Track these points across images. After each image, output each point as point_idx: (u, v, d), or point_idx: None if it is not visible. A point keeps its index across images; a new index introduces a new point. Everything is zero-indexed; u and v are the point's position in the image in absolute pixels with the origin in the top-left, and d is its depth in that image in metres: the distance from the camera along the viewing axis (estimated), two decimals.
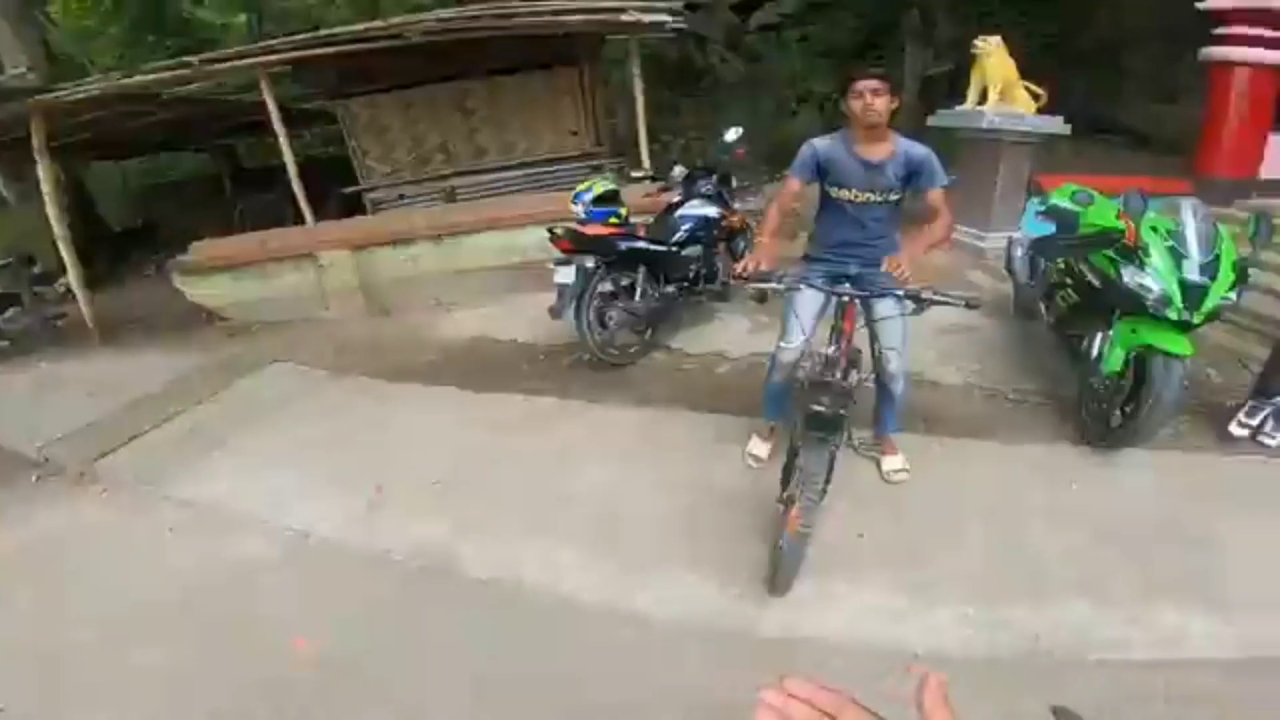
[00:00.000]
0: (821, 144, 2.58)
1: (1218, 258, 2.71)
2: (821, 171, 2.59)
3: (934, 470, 2.98)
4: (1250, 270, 2.76)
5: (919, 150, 2.52)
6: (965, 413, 3.48)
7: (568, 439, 3.46)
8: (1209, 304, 2.64)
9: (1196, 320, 2.65)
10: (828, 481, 2.30)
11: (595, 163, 7.37)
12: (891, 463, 2.95)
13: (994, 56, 5.67)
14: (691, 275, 4.41)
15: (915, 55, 10.08)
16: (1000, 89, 5.68)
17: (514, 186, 7.09)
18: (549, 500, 3.00)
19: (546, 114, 7.37)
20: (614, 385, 3.98)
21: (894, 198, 2.59)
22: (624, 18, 5.77)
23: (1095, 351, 3.05)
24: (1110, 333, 2.96)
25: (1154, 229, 2.84)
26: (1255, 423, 3.05)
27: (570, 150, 7.55)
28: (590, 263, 3.90)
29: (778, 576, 2.29)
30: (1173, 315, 2.66)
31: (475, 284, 5.44)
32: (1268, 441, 3.00)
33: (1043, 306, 3.68)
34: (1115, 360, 2.91)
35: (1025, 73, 5.72)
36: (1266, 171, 5.76)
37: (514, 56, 6.86)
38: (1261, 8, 5.50)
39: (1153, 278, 2.73)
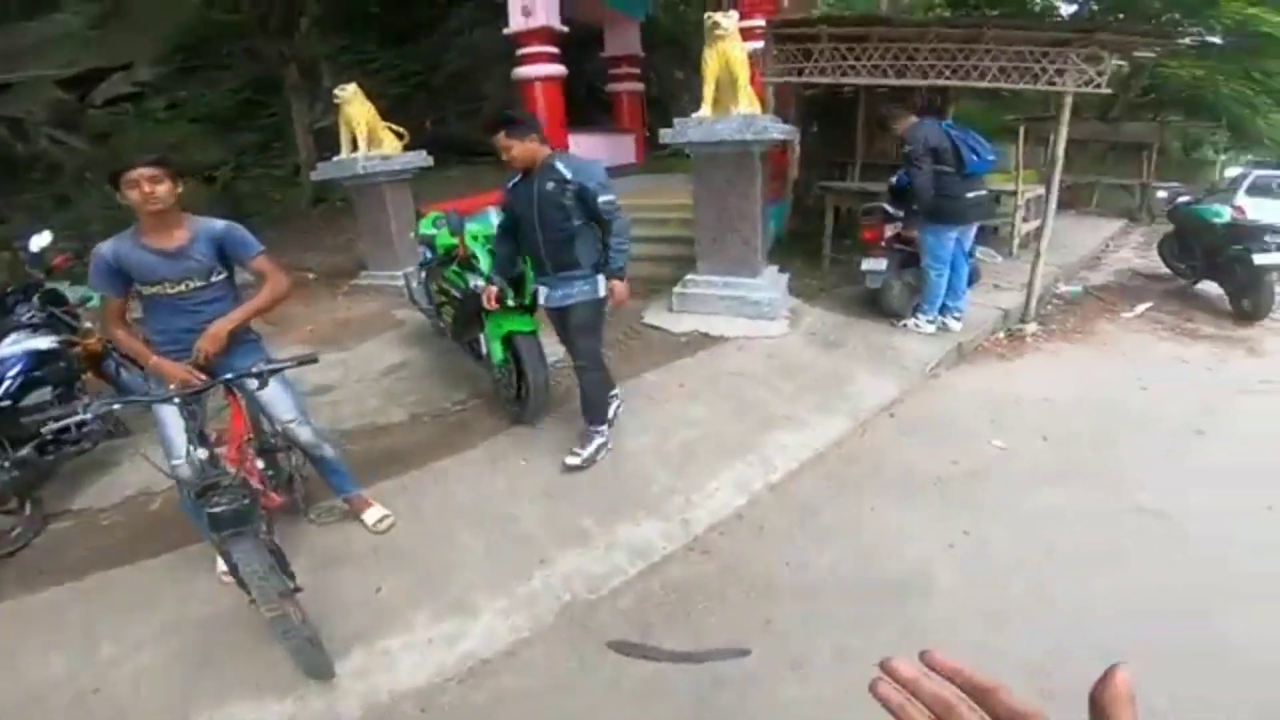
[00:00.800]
0: (109, 248, 2.25)
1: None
2: (125, 274, 2.27)
3: (415, 503, 3.02)
4: None
5: (217, 226, 2.37)
6: (419, 440, 3.58)
7: None
8: (526, 287, 3.23)
9: (527, 301, 3.22)
10: (282, 563, 2.15)
11: None
12: (372, 515, 2.87)
13: (353, 104, 5.88)
14: (55, 425, 3.32)
15: (302, 110, 9.90)
16: (365, 133, 5.95)
17: None
18: None
19: None
20: (6, 580, 2.87)
21: (218, 277, 2.39)
22: None
23: (485, 350, 3.46)
24: (486, 331, 3.38)
25: (475, 237, 3.32)
26: (586, 453, 3.16)
27: None
28: None
29: (305, 665, 2.16)
30: (512, 303, 3.17)
31: None
32: (572, 461, 3.14)
33: (441, 325, 4.02)
34: (497, 351, 3.35)
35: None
36: None
37: None
38: (541, 27, 7.12)
39: (484, 277, 3.19)
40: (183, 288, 2.31)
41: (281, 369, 2.29)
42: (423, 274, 4.37)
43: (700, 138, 4.29)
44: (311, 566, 2.59)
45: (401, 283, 5.63)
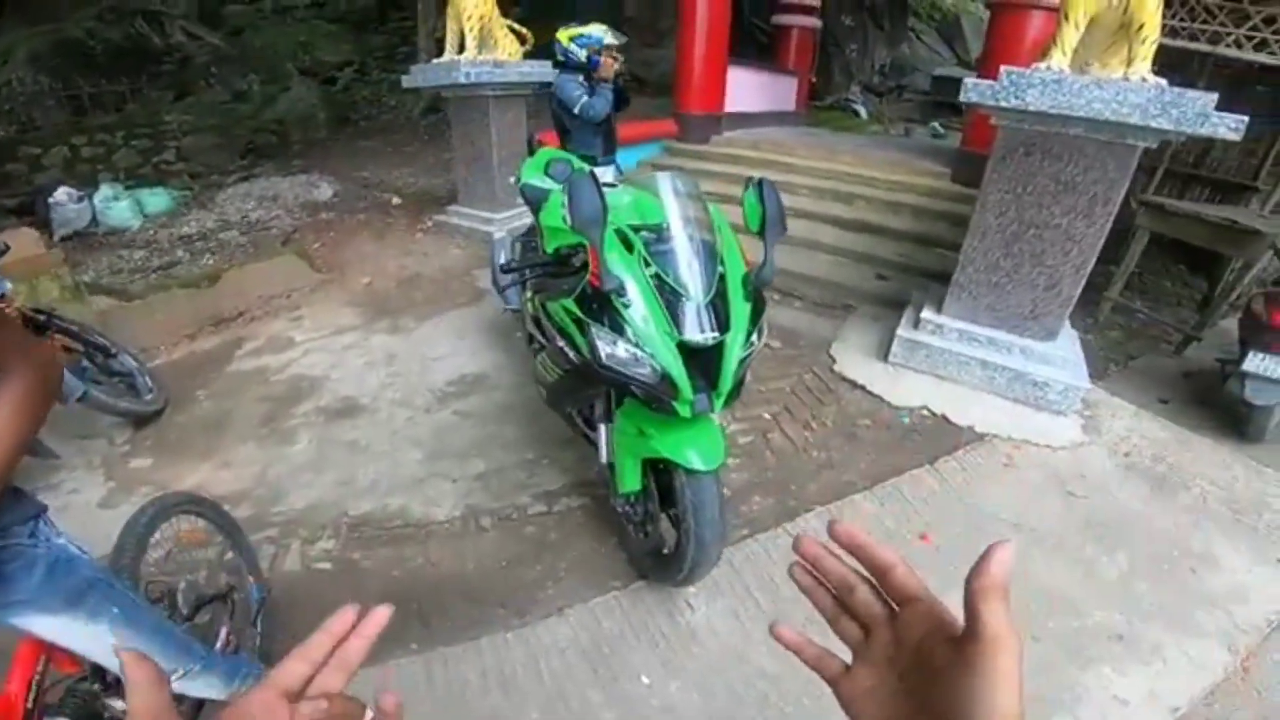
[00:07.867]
0: None
1: (723, 278, 1.37)
2: None
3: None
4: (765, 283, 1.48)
5: None
6: (470, 572, 1.83)
7: None
8: (728, 373, 1.30)
9: (718, 407, 1.30)
10: None
11: None
12: None
13: None
14: None
15: (427, 10, 7.95)
16: (477, 31, 3.98)
17: None
18: None
19: None
20: None
21: None
22: None
23: (604, 454, 1.60)
24: (614, 433, 1.50)
25: (624, 239, 1.38)
26: None
27: None
28: None
29: None
30: (684, 411, 1.26)
31: None
32: None
33: (533, 357, 2.10)
34: (631, 476, 1.49)
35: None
36: (730, 105, 5.34)
37: None
38: None
39: (636, 346, 1.27)
40: None
41: None
42: (517, 247, 2.50)
43: (1049, 105, 2.08)
44: None
45: (495, 229, 3.78)
